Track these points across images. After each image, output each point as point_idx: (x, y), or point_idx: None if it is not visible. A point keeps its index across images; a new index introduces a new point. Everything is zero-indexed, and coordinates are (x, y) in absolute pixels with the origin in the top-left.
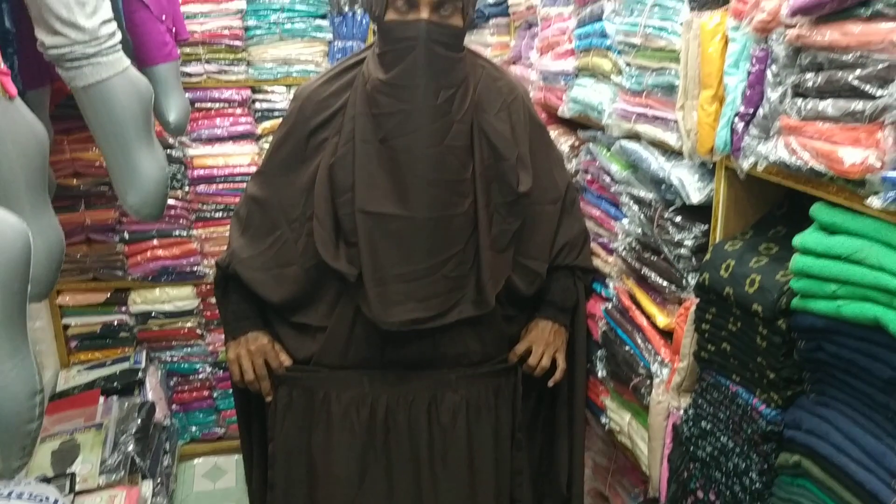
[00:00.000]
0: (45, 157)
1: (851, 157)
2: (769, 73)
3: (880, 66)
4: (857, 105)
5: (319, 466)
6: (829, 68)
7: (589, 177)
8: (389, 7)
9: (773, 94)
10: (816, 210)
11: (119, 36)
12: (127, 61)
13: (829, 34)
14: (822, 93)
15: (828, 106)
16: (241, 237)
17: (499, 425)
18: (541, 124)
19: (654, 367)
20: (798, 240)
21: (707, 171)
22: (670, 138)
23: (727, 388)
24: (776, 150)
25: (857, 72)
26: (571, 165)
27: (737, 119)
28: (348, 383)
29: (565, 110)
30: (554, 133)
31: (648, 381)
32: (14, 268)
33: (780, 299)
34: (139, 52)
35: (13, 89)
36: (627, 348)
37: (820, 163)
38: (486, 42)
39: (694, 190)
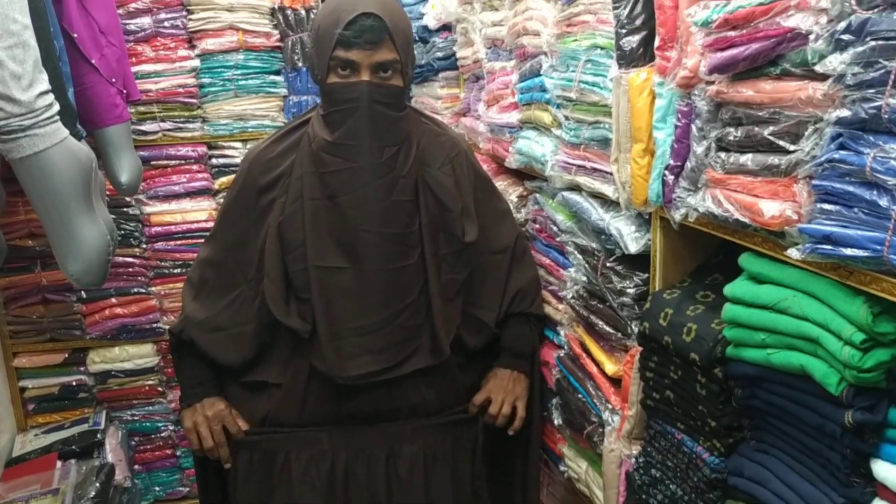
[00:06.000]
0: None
1: (771, 209)
2: (694, 128)
3: (791, 122)
4: (774, 159)
5: None
6: (748, 123)
7: (537, 226)
8: (331, 71)
9: (698, 148)
10: (745, 260)
11: (57, 107)
12: (65, 132)
13: (746, 91)
14: (742, 147)
15: (748, 160)
16: (194, 301)
17: (457, 474)
18: (485, 177)
19: (606, 415)
20: (729, 289)
21: (644, 220)
22: (608, 190)
23: (673, 435)
24: (704, 201)
25: (772, 127)
26: (521, 215)
27: (667, 172)
28: (307, 441)
29: (511, 161)
30: (503, 183)
31: (601, 429)
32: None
33: (716, 348)
34: (90, 114)
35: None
36: (580, 396)
37: (744, 215)
38: (437, 94)
39: (631, 240)
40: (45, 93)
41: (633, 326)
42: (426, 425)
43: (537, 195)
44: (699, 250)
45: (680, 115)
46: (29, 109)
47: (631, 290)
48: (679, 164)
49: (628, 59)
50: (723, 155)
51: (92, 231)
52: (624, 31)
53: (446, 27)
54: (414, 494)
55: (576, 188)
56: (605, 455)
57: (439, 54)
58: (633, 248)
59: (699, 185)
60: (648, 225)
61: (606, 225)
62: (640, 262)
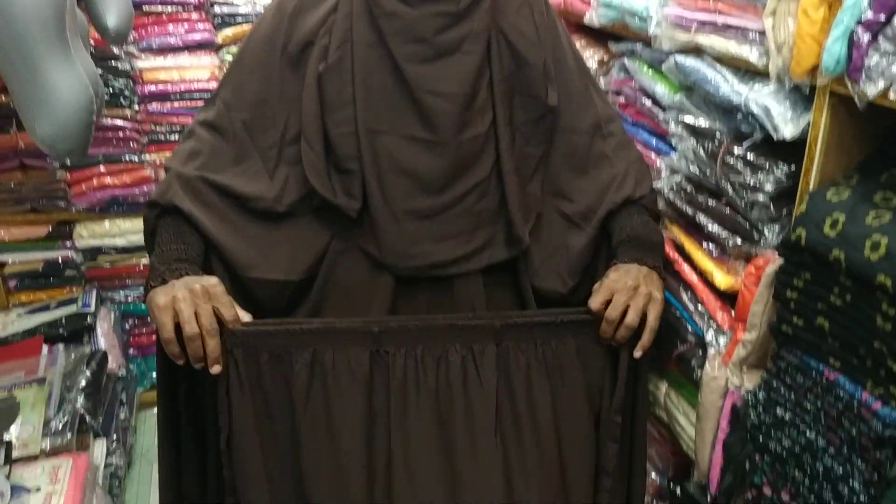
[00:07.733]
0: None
1: None
2: None
3: None
4: None
5: (311, 457)
6: None
7: (622, 99)
8: None
9: None
10: None
11: None
12: None
13: None
14: None
15: None
16: (184, 167)
17: (574, 397)
18: (567, 33)
19: (709, 336)
20: None
21: (801, 97)
22: (750, 53)
23: (821, 373)
24: None
25: None
26: (600, 85)
27: (859, 28)
28: (346, 335)
29: (594, 17)
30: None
31: (700, 352)
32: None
33: None
34: None
35: None
36: (672, 309)
37: None
38: None
39: (784, 122)
40: None
41: (766, 231)
42: (523, 323)
43: (626, 60)
44: (868, 135)
45: None
46: None
47: (769, 187)
48: (883, 18)
49: None
50: None
51: (67, 80)
52: None
53: None
54: (511, 409)
55: (693, 51)
56: (705, 383)
57: None
58: (789, 132)
59: None
60: (808, 102)
61: (743, 100)
62: (779, 148)
